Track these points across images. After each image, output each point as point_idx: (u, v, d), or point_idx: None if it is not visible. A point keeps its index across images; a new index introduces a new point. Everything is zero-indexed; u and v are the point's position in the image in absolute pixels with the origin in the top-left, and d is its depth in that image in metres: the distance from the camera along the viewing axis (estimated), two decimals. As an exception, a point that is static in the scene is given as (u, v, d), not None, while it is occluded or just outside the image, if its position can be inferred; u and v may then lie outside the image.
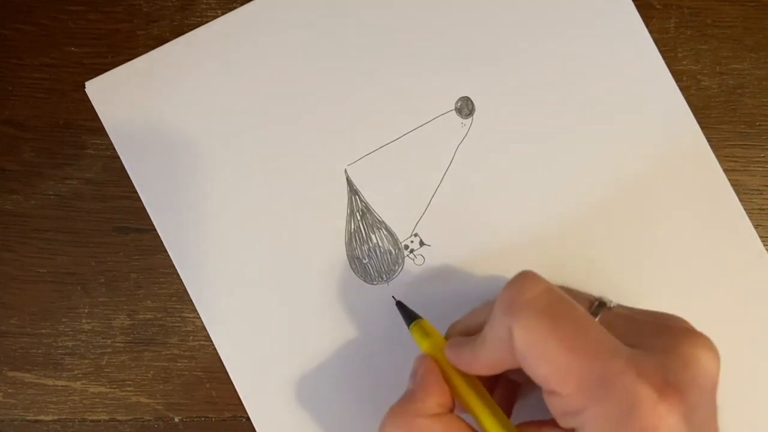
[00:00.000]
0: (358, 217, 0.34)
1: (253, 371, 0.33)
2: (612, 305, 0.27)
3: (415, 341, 0.30)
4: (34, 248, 0.35)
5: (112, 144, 0.34)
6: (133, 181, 0.34)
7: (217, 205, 0.34)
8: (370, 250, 0.34)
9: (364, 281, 0.34)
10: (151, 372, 0.34)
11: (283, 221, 0.34)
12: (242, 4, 0.35)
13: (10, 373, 0.34)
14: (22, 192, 0.35)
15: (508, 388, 0.30)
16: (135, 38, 0.35)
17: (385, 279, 0.34)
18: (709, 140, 0.35)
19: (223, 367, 0.34)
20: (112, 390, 0.34)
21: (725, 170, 0.34)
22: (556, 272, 0.34)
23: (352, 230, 0.34)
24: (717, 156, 0.34)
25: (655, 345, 0.24)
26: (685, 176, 0.34)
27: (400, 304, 0.32)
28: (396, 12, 0.35)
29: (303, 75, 0.35)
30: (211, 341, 0.34)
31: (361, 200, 0.34)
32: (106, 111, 0.35)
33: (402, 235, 0.34)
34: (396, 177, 0.34)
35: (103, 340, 0.34)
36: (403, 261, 0.34)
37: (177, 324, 0.34)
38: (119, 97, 0.35)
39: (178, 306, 0.34)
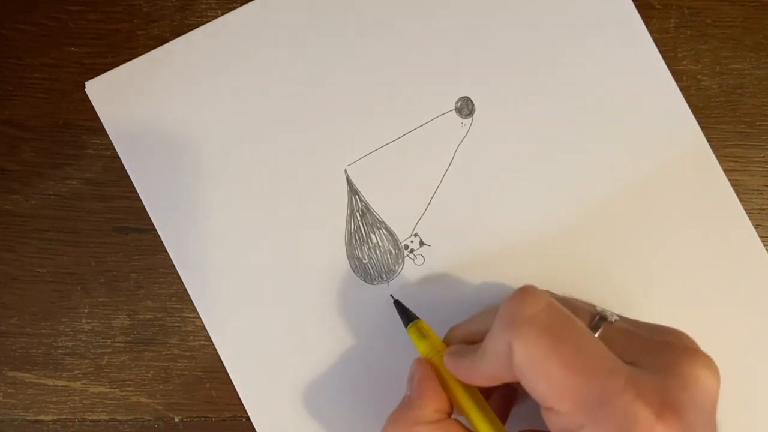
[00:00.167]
0: (358, 217, 0.34)
1: (253, 371, 0.33)
2: (613, 319, 0.26)
3: (412, 342, 0.30)
4: (34, 248, 0.35)
5: (112, 144, 0.34)
6: (133, 181, 0.34)
7: (217, 205, 0.34)
8: (370, 250, 0.34)
9: (364, 281, 0.34)
10: (151, 372, 0.34)
11: (283, 221, 0.34)
12: (242, 4, 0.35)
13: (10, 373, 0.34)
14: (22, 192, 0.35)
15: (506, 393, 0.30)
16: (135, 38, 0.35)
17: (385, 279, 0.34)
18: (709, 140, 0.35)
19: (223, 367, 0.34)
20: (112, 390, 0.34)
21: (725, 170, 0.34)
22: (555, 272, 0.34)
23: (352, 230, 0.34)
24: (717, 156, 0.34)
25: (655, 363, 0.24)
26: (685, 176, 0.34)
27: (397, 303, 0.32)
28: (396, 12, 0.35)
29: (303, 75, 0.35)
30: (211, 341, 0.34)
31: (361, 200, 0.34)
32: (106, 111, 0.35)
33: (402, 235, 0.34)
34: (396, 177, 0.34)
35: (103, 340, 0.34)
36: (403, 261, 0.34)
37: (177, 324, 0.34)
38: (119, 97, 0.35)
39: (178, 306, 0.34)
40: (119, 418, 0.34)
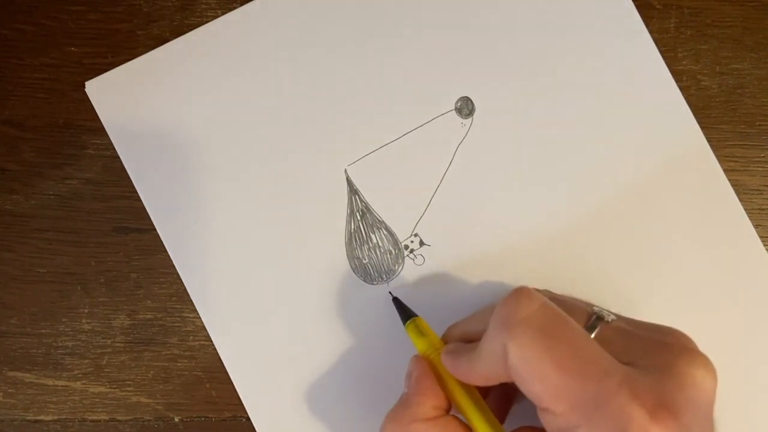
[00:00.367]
0: (358, 217, 0.34)
1: (253, 371, 0.33)
2: (610, 319, 0.26)
3: (411, 340, 0.30)
4: (34, 248, 0.35)
5: (112, 144, 0.34)
6: (133, 181, 0.34)
7: (217, 205, 0.34)
8: (370, 250, 0.34)
9: (364, 281, 0.34)
10: (151, 372, 0.34)
11: (283, 221, 0.34)
12: (242, 4, 0.35)
13: (10, 373, 0.34)
14: (22, 192, 0.35)
15: (504, 392, 0.30)
16: (135, 38, 0.35)
17: (385, 279, 0.34)
18: (709, 140, 0.35)
19: (223, 367, 0.34)
20: (112, 390, 0.34)
21: (725, 170, 0.34)
22: (555, 271, 0.34)
23: (352, 230, 0.34)
24: (717, 156, 0.34)
25: (652, 363, 0.24)
26: (685, 176, 0.34)
27: (396, 301, 0.32)
28: (395, 12, 0.35)
29: (303, 75, 0.35)
30: (211, 341, 0.34)
31: (361, 200, 0.34)
32: (106, 111, 0.35)
33: (402, 235, 0.34)
34: (396, 177, 0.34)
35: (103, 340, 0.34)
36: (403, 261, 0.34)
37: (177, 324, 0.34)
38: (119, 97, 0.35)
39: (178, 306, 0.34)
40: (119, 418, 0.34)
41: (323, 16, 0.35)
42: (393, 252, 0.34)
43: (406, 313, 0.31)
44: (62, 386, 0.34)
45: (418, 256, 0.34)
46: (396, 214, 0.34)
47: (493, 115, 0.35)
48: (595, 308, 0.27)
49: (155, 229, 0.34)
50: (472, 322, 0.30)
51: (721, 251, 0.34)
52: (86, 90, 0.35)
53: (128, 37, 0.35)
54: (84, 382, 0.34)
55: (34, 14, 0.35)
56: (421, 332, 0.30)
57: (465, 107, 0.35)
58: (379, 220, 0.34)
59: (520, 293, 0.25)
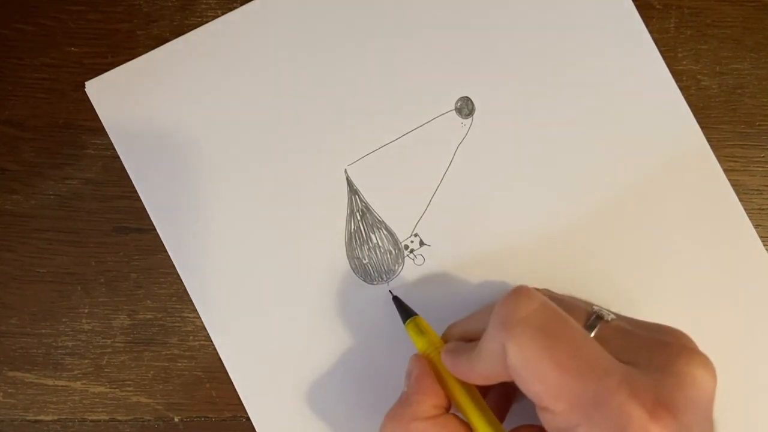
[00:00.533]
0: (358, 217, 0.34)
1: (253, 371, 0.33)
2: (610, 318, 0.26)
3: (411, 339, 0.31)
4: (34, 248, 0.35)
5: (112, 144, 0.34)
6: (133, 181, 0.34)
7: (217, 205, 0.34)
8: (370, 250, 0.34)
9: (364, 281, 0.34)
10: (151, 372, 0.34)
11: (283, 221, 0.34)
12: (242, 4, 0.35)
13: (10, 373, 0.34)
14: (22, 192, 0.35)
15: (504, 391, 0.30)
16: (135, 38, 0.35)
17: (385, 279, 0.34)
18: (709, 140, 0.35)
19: (223, 367, 0.34)
20: (112, 390, 0.34)
21: (725, 170, 0.34)
22: (555, 271, 0.34)
23: (352, 230, 0.34)
24: (717, 156, 0.34)
25: (651, 362, 0.24)
26: (685, 176, 0.34)
27: (396, 299, 0.32)
28: (395, 12, 0.35)
29: (303, 75, 0.35)
30: (211, 341, 0.34)
31: (361, 200, 0.34)
32: (106, 111, 0.35)
33: (402, 235, 0.34)
34: (396, 177, 0.34)
35: (103, 340, 0.34)
36: (403, 261, 0.34)
37: (177, 324, 0.34)
38: (119, 97, 0.35)
39: (178, 306, 0.34)
40: (119, 418, 0.34)
41: (323, 16, 0.35)
42: (393, 252, 0.34)
43: (406, 312, 0.31)
44: (62, 386, 0.34)
45: (418, 256, 0.34)
46: (396, 214, 0.34)
47: (493, 115, 0.35)
48: (594, 307, 0.27)
49: (155, 229, 0.34)
50: (472, 321, 0.30)
51: (721, 251, 0.34)
52: (86, 90, 0.35)
53: (128, 37, 0.35)
54: (84, 382, 0.34)
55: (34, 14, 0.35)
56: (421, 331, 0.30)
57: (465, 107, 0.35)
58: (379, 220, 0.34)
59: (519, 292, 0.25)
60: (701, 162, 0.34)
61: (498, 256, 0.34)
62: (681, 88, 0.35)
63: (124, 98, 0.34)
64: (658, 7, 0.35)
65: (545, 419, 0.24)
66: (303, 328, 0.34)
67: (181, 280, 0.34)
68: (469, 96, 0.35)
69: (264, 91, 0.35)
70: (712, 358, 0.24)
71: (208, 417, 0.34)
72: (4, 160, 0.35)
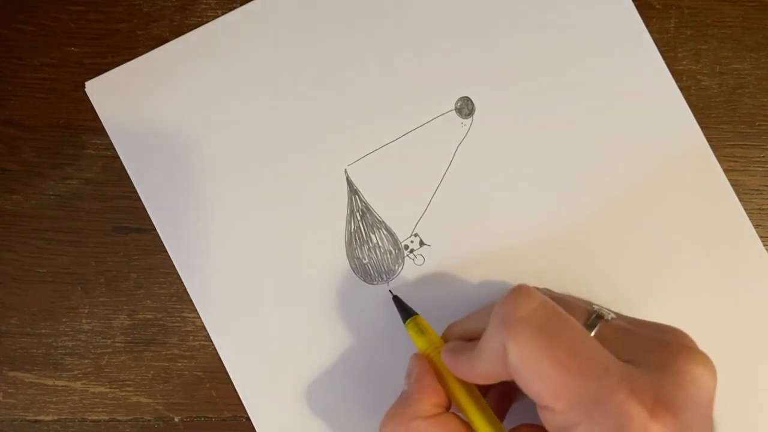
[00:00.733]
0: (358, 217, 0.34)
1: (253, 371, 0.33)
2: (610, 317, 0.26)
3: (411, 338, 0.31)
4: (34, 248, 0.35)
5: (112, 144, 0.34)
6: (133, 181, 0.34)
7: (217, 205, 0.34)
8: (370, 250, 0.34)
9: (364, 281, 0.34)
10: (151, 372, 0.34)
11: (283, 221, 0.34)
12: (242, 4, 0.35)
13: (10, 373, 0.34)
14: (22, 192, 0.35)
15: (504, 390, 0.30)
16: (135, 38, 0.35)
17: (385, 279, 0.34)
18: (709, 140, 0.35)
19: (223, 367, 0.34)
20: (112, 390, 0.34)
21: (725, 170, 0.34)
22: (555, 271, 0.34)
23: (352, 230, 0.34)
24: (717, 156, 0.34)
25: (652, 361, 0.24)
26: (685, 176, 0.34)
27: (396, 299, 0.32)
28: (395, 12, 0.35)
29: (303, 75, 0.35)
30: (211, 341, 0.34)
31: (361, 200, 0.34)
32: (106, 111, 0.35)
33: (402, 235, 0.34)
34: (396, 177, 0.34)
35: (103, 340, 0.34)
36: (403, 261, 0.34)
37: (177, 324, 0.34)
38: (119, 97, 0.35)
39: (178, 306, 0.34)
40: (119, 418, 0.34)
41: (323, 16, 0.35)
42: (393, 252, 0.34)
43: (406, 312, 0.31)
44: (62, 386, 0.34)
45: (418, 256, 0.34)
46: (396, 214, 0.34)
47: (493, 115, 0.35)
48: (594, 306, 0.27)
49: (155, 229, 0.34)
50: (472, 320, 0.30)
51: (721, 251, 0.34)
52: (86, 90, 0.35)
53: (128, 37, 0.35)
54: (84, 382, 0.34)
55: (34, 14, 0.35)
56: (421, 331, 0.30)
57: (465, 107, 0.35)
58: (379, 220, 0.34)
59: (519, 292, 0.25)
60: (701, 162, 0.34)
61: (498, 256, 0.34)
62: (681, 88, 0.35)
63: (124, 98, 0.34)
64: (658, 7, 0.35)
65: (545, 418, 0.24)
66: (303, 328, 0.34)
67: (181, 280, 0.34)
68: (469, 96, 0.35)
69: (264, 91, 0.35)
70: (712, 358, 0.24)
71: (208, 417, 0.34)
72: (4, 160, 0.35)
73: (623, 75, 0.35)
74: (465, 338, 0.29)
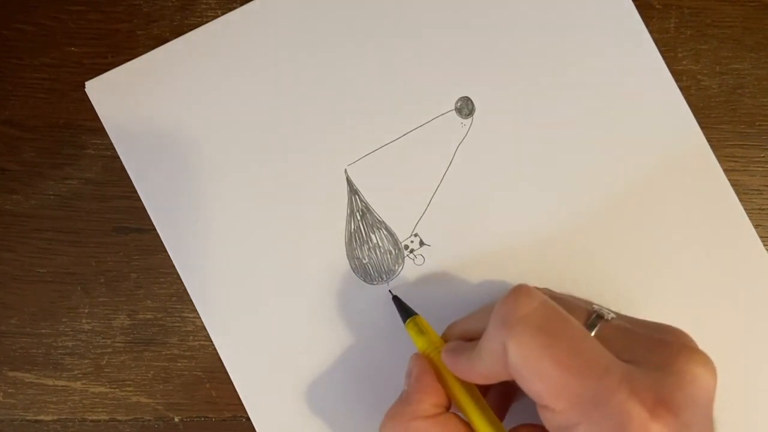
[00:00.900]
0: (358, 217, 0.34)
1: (253, 371, 0.33)
2: (610, 317, 0.26)
3: (411, 338, 0.31)
4: (34, 248, 0.35)
5: (112, 144, 0.34)
6: (133, 181, 0.34)
7: (217, 205, 0.34)
8: (370, 250, 0.34)
9: (364, 281, 0.34)
10: (151, 372, 0.34)
11: (283, 221, 0.34)
12: (242, 4, 0.35)
13: (10, 373, 0.34)
14: (22, 192, 0.35)
15: (504, 390, 0.30)
16: (135, 38, 0.35)
17: (385, 279, 0.34)
18: (709, 140, 0.35)
19: (223, 367, 0.34)
20: (112, 390, 0.34)
21: (725, 170, 0.34)
22: (555, 271, 0.34)
23: (352, 230, 0.34)
24: (717, 156, 0.34)
25: (652, 361, 0.24)
26: (685, 176, 0.34)
27: (396, 299, 0.32)
28: (395, 12, 0.35)
29: (303, 75, 0.35)
30: (211, 341, 0.34)
31: (361, 200, 0.34)
32: (106, 111, 0.35)
33: (402, 235, 0.34)
34: (396, 177, 0.34)
35: (103, 340, 0.34)
36: (403, 261, 0.34)
37: (177, 324, 0.34)
38: (119, 97, 0.35)
39: (178, 306, 0.34)
40: (119, 418, 0.34)
41: (323, 16, 0.35)
42: (393, 252, 0.34)
43: (406, 312, 0.31)
44: (62, 386, 0.34)
45: (418, 256, 0.34)
46: (396, 214, 0.34)
47: (493, 115, 0.35)
48: (594, 306, 0.27)
49: (155, 229, 0.34)
50: (472, 320, 0.30)
51: (721, 251, 0.34)
52: (86, 90, 0.35)
53: (128, 37, 0.35)
54: (84, 382, 0.34)
55: (34, 14, 0.35)
56: (421, 330, 0.30)
57: (465, 107, 0.35)
58: (379, 220, 0.34)
59: (519, 291, 0.25)
60: (701, 162, 0.34)
61: (498, 256, 0.34)
62: (681, 88, 0.35)
63: (124, 98, 0.34)
64: (658, 7, 0.35)
65: (545, 418, 0.24)
66: (303, 328, 0.34)
67: (181, 280, 0.34)
68: (469, 96, 0.35)
69: (264, 91, 0.35)
70: (712, 358, 0.24)
71: (208, 417, 0.34)
72: (4, 160, 0.35)
73: (623, 75, 0.35)
74: (465, 338, 0.29)
